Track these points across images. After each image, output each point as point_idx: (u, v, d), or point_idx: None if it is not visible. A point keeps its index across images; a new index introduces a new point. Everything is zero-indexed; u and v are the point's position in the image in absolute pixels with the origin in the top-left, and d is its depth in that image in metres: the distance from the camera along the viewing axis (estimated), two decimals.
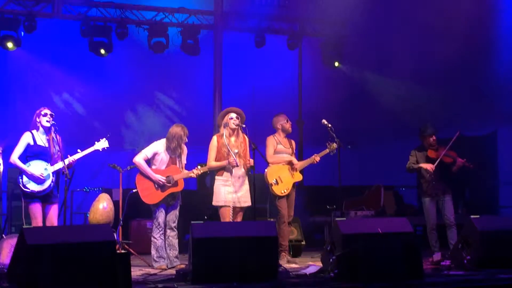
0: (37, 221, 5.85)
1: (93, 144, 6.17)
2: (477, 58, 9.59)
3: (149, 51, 9.52)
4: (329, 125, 6.80)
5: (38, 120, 5.98)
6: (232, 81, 9.98)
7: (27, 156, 5.92)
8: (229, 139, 6.45)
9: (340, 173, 6.64)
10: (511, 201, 9.70)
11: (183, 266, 6.16)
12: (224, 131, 6.44)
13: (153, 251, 6.46)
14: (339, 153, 6.77)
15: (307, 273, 5.72)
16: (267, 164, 6.85)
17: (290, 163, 6.91)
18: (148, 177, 6.45)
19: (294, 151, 7.13)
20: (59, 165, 5.91)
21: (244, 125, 6.45)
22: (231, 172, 6.41)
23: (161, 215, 6.45)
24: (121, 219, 7.16)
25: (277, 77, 10.74)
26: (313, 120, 8.78)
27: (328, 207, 8.59)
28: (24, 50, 9.16)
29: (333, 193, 8.65)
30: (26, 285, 4.51)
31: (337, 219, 5.74)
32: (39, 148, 5.94)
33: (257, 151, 6.29)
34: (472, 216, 6.07)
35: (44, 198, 5.92)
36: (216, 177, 6.51)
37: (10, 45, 8.77)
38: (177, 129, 6.49)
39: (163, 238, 6.45)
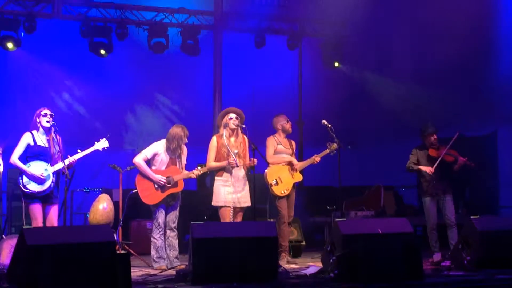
0: (37, 222, 5.85)
1: (93, 144, 6.17)
2: (477, 58, 9.58)
3: (149, 51, 9.52)
4: (329, 126, 6.80)
5: (38, 120, 5.98)
6: (232, 82, 9.98)
7: (27, 156, 5.92)
8: (228, 140, 6.45)
9: (340, 173, 6.64)
10: (511, 201, 9.70)
11: (183, 266, 6.15)
12: (224, 132, 6.44)
13: (153, 252, 6.46)
14: (339, 154, 6.77)
15: (307, 274, 5.72)
16: (267, 164, 6.85)
17: (290, 164, 6.91)
18: (148, 178, 6.45)
19: (294, 151, 7.13)
20: (59, 165, 5.91)
21: (244, 126, 6.45)
22: (230, 173, 6.41)
23: (161, 216, 6.45)
24: (121, 219, 7.16)
25: (277, 78, 10.74)
26: (313, 121, 8.78)
27: (328, 207, 8.59)
28: (24, 50, 9.16)
29: (333, 193, 8.66)
30: (26, 286, 4.51)
31: (337, 219, 5.74)
32: (39, 148, 5.94)
33: (257, 151, 6.29)
34: (472, 217, 6.07)
35: (44, 198, 5.92)
36: (216, 177, 6.50)
37: (10, 45, 8.77)
38: (177, 130, 6.49)
39: (163, 238, 6.45)
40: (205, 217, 8.15)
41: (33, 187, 5.84)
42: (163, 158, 6.51)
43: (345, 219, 6.81)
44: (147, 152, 6.52)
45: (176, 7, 9.68)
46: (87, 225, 7.54)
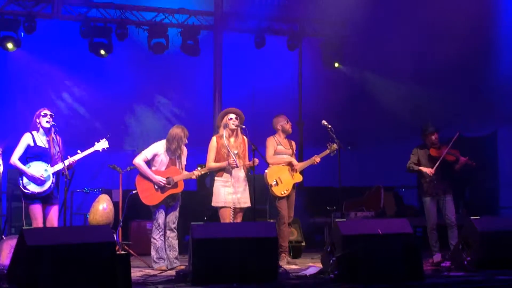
0: (38, 222, 5.85)
1: (93, 145, 6.17)
2: (477, 58, 9.57)
3: (149, 51, 9.52)
4: (329, 126, 6.80)
5: (38, 121, 5.98)
6: (232, 82, 9.97)
7: (27, 157, 5.92)
8: (228, 140, 6.45)
9: (340, 174, 6.63)
10: (511, 202, 9.69)
11: (183, 267, 6.15)
12: (224, 132, 6.43)
13: (153, 252, 6.46)
14: (339, 154, 6.77)
15: (307, 274, 5.71)
16: (267, 165, 6.84)
17: (290, 164, 6.91)
18: (148, 178, 6.45)
19: (295, 152, 7.13)
20: (59, 166, 5.90)
21: (244, 126, 6.45)
22: (230, 173, 6.41)
23: (161, 216, 6.44)
24: (121, 220, 7.16)
25: (277, 78, 10.73)
26: (313, 121, 8.78)
27: (328, 208, 8.58)
28: (24, 51, 9.16)
29: (333, 194, 8.65)
30: (26, 286, 4.51)
31: (337, 220, 5.74)
32: (39, 149, 5.93)
33: (257, 152, 6.29)
34: (472, 217, 6.06)
35: (45, 199, 5.92)
36: (216, 178, 6.50)
37: (10, 45, 8.77)
38: (177, 130, 6.49)
39: (163, 239, 6.45)
40: (205, 218, 8.15)
41: (33, 188, 5.84)
42: (163, 158, 6.50)
43: (345, 219, 6.79)
44: (147, 153, 6.52)
45: (176, 7, 9.68)
46: (87, 226, 7.53)
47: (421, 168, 6.92)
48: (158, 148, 6.53)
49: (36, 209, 5.87)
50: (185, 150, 6.61)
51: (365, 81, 10.86)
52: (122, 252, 6.47)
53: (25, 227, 4.98)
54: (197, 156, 7.48)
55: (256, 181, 6.38)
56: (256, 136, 6.60)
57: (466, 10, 8.96)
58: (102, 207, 7.27)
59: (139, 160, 6.48)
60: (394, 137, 10.75)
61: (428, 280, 5.38)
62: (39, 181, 5.84)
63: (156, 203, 6.44)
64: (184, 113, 10.85)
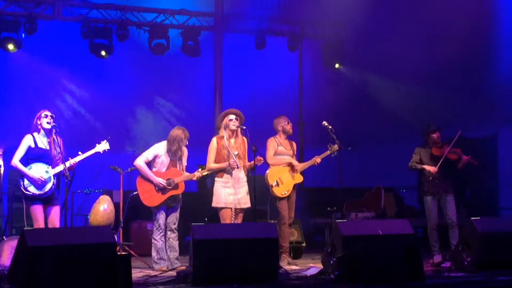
0: (39, 223, 5.86)
1: (93, 146, 6.18)
2: (477, 58, 9.57)
3: (150, 52, 9.52)
4: (330, 127, 6.81)
5: (39, 122, 5.99)
6: (232, 83, 9.98)
7: (28, 158, 5.92)
8: (229, 141, 6.46)
9: (340, 174, 6.64)
10: (511, 203, 9.69)
11: (183, 267, 6.15)
12: (224, 133, 6.44)
13: (153, 253, 6.47)
14: (340, 155, 6.78)
15: (308, 275, 5.72)
16: (267, 165, 6.85)
17: (290, 165, 6.92)
18: (148, 180, 6.45)
19: (295, 152, 7.13)
20: (60, 167, 5.91)
21: (244, 127, 6.45)
22: (231, 174, 6.42)
23: (161, 217, 6.45)
24: (121, 221, 7.17)
25: (278, 79, 10.74)
26: (314, 122, 8.79)
27: (328, 208, 8.58)
28: (25, 52, 9.16)
29: (334, 194, 8.65)
30: (27, 287, 4.51)
31: (337, 221, 5.75)
32: (40, 150, 5.94)
33: (258, 153, 6.30)
34: (472, 218, 6.07)
35: (46, 200, 5.93)
36: (216, 178, 6.51)
37: (10, 47, 8.78)
38: (178, 132, 6.50)
39: (163, 240, 6.45)
40: (206, 219, 8.15)
41: (34, 189, 5.84)
42: (164, 160, 6.51)
43: (345, 220, 6.81)
44: (147, 154, 6.53)
45: (177, 8, 9.68)
46: (87, 227, 7.54)
47: (424, 166, 6.90)
48: (159, 149, 6.53)
49: (37, 210, 5.87)
50: (185, 151, 6.62)
51: (365, 82, 10.86)
52: (123, 253, 6.49)
53: (26, 228, 4.99)
54: (197, 157, 7.49)
55: (257, 181, 6.39)
56: (257, 137, 6.61)
57: (466, 10, 8.96)
58: (102, 208, 7.28)
59: (139, 161, 6.49)
60: (395, 137, 10.75)
61: (429, 281, 5.38)
62: (40, 183, 5.85)
63: (156, 204, 6.45)
64: (185, 114, 10.86)
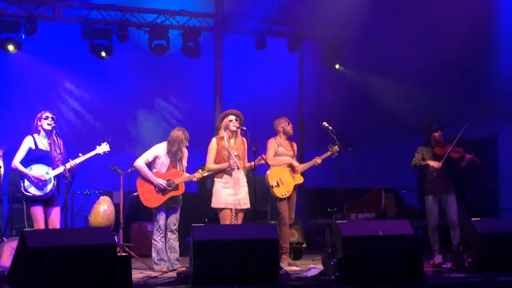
0: (39, 224, 5.86)
1: (94, 147, 6.18)
2: (477, 58, 9.57)
3: (150, 53, 9.52)
4: (330, 128, 6.81)
5: (39, 123, 5.98)
6: (232, 84, 9.98)
7: (28, 160, 5.92)
8: (229, 142, 6.46)
9: (341, 175, 6.63)
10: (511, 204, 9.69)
11: (184, 268, 6.14)
12: (225, 134, 6.44)
13: (154, 254, 6.47)
14: (340, 156, 6.77)
15: (308, 276, 5.72)
16: (268, 166, 6.85)
17: (290, 166, 6.92)
18: (149, 181, 6.45)
19: (296, 153, 7.13)
20: (60, 169, 5.91)
21: (245, 127, 6.46)
22: (230, 174, 6.42)
23: (161, 218, 6.45)
24: (122, 222, 7.17)
25: (278, 80, 10.74)
26: (314, 123, 8.78)
27: (329, 209, 8.58)
28: (25, 52, 9.17)
29: (334, 195, 8.65)
30: None
31: (338, 221, 5.74)
32: (41, 152, 5.94)
33: (258, 153, 6.30)
34: (473, 219, 6.06)
35: (46, 201, 5.93)
36: (216, 179, 6.51)
37: (11, 47, 8.78)
38: (178, 133, 6.50)
39: (163, 241, 6.45)
40: (206, 219, 8.15)
41: (34, 190, 5.84)
42: (164, 161, 6.51)
43: (346, 221, 6.80)
44: (148, 155, 6.53)
45: (177, 9, 9.68)
46: (87, 228, 7.54)
47: (428, 161, 6.86)
48: (159, 150, 6.53)
49: (38, 211, 5.88)
50: (186, 153, 6.62)
51: (365, 82, 10.86)
52: (123, 254, 6.50)
53: (26, 229, 4.99)
54: (197, 158, 7.48)
55: (257, 182, 6.39)
56: (257, 137, 6.61)
57: (466, 10, 8.96)
58: (103, 209, 7.28)
59: (140, 162, 6.49)
60: (395, 137, 10.75)
61: (429, 282, 5.38)
62: (40, 184, 5.85)
63: (157, 205, 6.45)
64: (185, 115, 10.86)
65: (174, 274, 5.90)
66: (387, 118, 10.48)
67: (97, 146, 6.19)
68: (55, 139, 5.97)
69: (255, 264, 5.20)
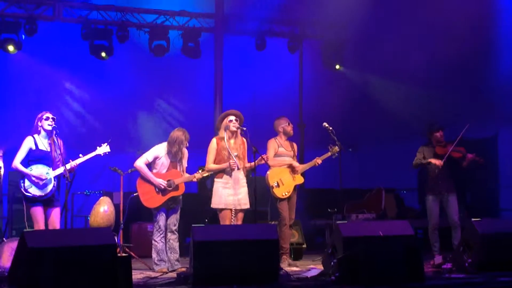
0: (39, 225, 5.86)
1: (94, 147, 6.18)
2: (477, 58, 9.57)
3: (150, 54, 9.52)
4: (330, 128, 6.81)
5: (40, 124, 5.98)
6: (233, 84, 9.98)
7: (29, 160, 5.92)
8: (229, 142, 6.45)
9: (341, 176, 6.63)
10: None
11: (184, 269, 6.14)
12: (225, 134, 6.44)
13: (154, 254, 6.46)
14: (340, 156, 6.77)
15: (308, 276, 5.72)
16: (268, 166, 6.85)
17: (290, 167, 6.91)
18: (149, 181, 6.45)
19: (296, 154, 7.13)
20: (60, 170, 5.91)
21: (245, 128, 6.45)
22: (230, 175, 6.42)
23: (162, 219, 6.45)
24: (122, 222, 7.17)
25: (278, 80, 10.73)
26: (314, 123, 8.78)
27: (329, 210, 8.58)
28: (25, 53, 9.17)
29: (334, 196, 8.64)
30: None
31: (338, 222, 5.75)
32: (41, 152, 5.94)
33: (258, 154, 6.30)
34: (473, 219, 6.06)
35: (46, 202, 5.93)
36: (216, 179, 6.51)
37: (11, 48, 8.78)
38: (178, 133, 6.50)
39: (164, 241, 6.45)
40: (206, 220, 8.15)
41: (34, 191, 5.84)
42: (164, 161, 6.51)
43: (346, 221, 6.80)
44: (148, 156, 6.52)
45: (177, 9, 9.68)
46: (87, 228, 7.54)
47: (430, 159, 6.85)
48: (159, 151, 6.53)
49: (38, 212, 5.88)
50: (186, 153, 6.61)
51: (366, 83, 10.86)
52: (123, 254, 6.50)
53: (26, 230, 4.99)
54: (197, 159, 7.48)
55: (257, 182, 6.38)
56: (257, 138, 6.61)
57: (466, 10, 8.96)
58: (103, 210, 7.28)
59: (140, 163, 6.49)
60: (395, 137, 10.74)
61: (429, 282, 5.38)
62: (41, 184, 5.85)
63: (157, 205, 6.45)
64: (185, 116, 10.86)
65: (174, 274, 5.89)
66: (387, 118, 10.48)
67: (98, 147, 6.19)
68: (55, 139, 5.97)
69: (255, 265, 5.21)
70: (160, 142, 6.61)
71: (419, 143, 7.18)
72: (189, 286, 5.17)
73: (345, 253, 5.23)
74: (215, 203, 6.44)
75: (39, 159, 5.91)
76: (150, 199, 6.44)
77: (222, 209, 6.40)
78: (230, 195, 6.38)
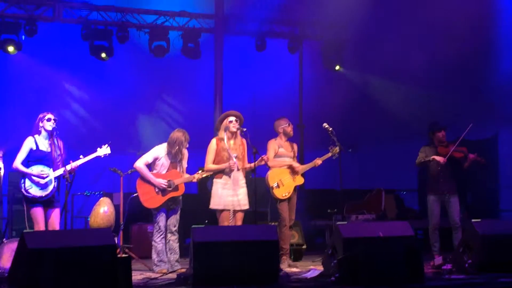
0: (39, 226, 5.86)
1: (94, 148, 6.18)
2: (477, 58, 9.57)
3: (150, 54, 9.52)
4: (330, 129, 6.81)
5: (41, 124, 5.98)
6: (233, 85, 9.98)
7: (29, 161, 5.91)
8: (228, 143, 6.45)
9: (341, 176, 6.63)
10: None
11: (183, 270, 6.14)
12: (225, 135, 6.44)
13: (154, 255, 6.46)
14: (340, 157, 6.77)
15: (308, 277, 5.72)
16: (268, 167, 6.84)
17: (290, 167, 6.91)
18: (148, 182, 6.45)
19: (296, 154, 7.12)
20: (60, 171, 5.91)
21: (245, 129, 6.45)
22: (229, 175, 6.41)
23: (162, 219, 6.44)
24: (122, 223, 7.16)
25: (278, 81, 10.73)
26: (314, 124, 8.78)
27: (329, 211, 8.58)
28: (25, 54, 9.17)
29: (334, 196, 8.65)
30: None
31: (338, 223, 5.75)
32: (42, 153, 5.93)
33: (258, 154, 6.30)
34: (473, 220, 6.06)
35: (46, 202, 5.92)
36: (215, 179, 6.51)
37: (11, 49, 8.79)
38: (178, 134, 6.49)
39: (164, 242, 6.45)
40: (206, 221, 8.15)
41: (35, 191, 5.84)
42: (164, 162, 6.51)
43: (346, 222, 6.80)
44: (148, 157, 6.52)
45: (177, 10, 9.68)
46: (87, 229, 7.53)
47: (434, 156, 6.83)
48: (159, 151, 6.53)
49: (38, 212, 5.87)
50: (186, 154, 6.61)
51: (366, 83, 10.85)
52: (123, 255, 6.50)
53: (26, 230, 4.98)
54: (197, 159, 7.48)
55: (257, 183, 6.38)
56: (257, 139, 6.61)
57: (466, 10, 8.96)
58: (103, 210, 7.28)
59: (140, 164, 6.48)
60: (395, 140, 10.74)
61: (429, 283, 5.38)
62: (42, 183, 5.85)
63: (157, 206, 6.44)
64: (185, 116, 10.86)
65: (174, 275, 5.89)
66: (387, 118, 10.48)
67: (98, 149, 6.19)
68: (55, 140, 5.96)
69: (255, 266, 5.20)
70: (160, 142, 6.61)
71: (419, 143, 7.17)
72: (189, 287, 5.17)
73: (345, 254, 5.23)
74: (214, 204, 6.44)
75: (40, 159, 5.91)
76: (150, 199, 6.44)
77: (220, 210, 6.40)
78: (229, 195, 6.38)
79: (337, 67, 10.54)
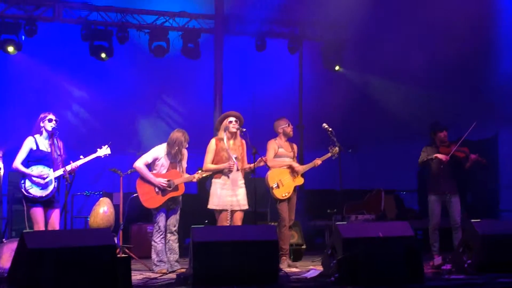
0: (39, 226, 5.86)
1: (94, 148, 6.18)
2: (477, 58, 9.58)
3: (150, 55, 9.54)
4: (330, 129, 6.81)
5: (42, 124, 5.97)
6: (232, 85, 9.98)
7: (29, 161, 5.91)
8: (228, 143, 6.45)
9: (341, 177, 6.63)
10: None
11: (183, 270, 6.14)
12: (224, 135, 6.44)
13: (153, 255, 6.46)
14: (340, 157, 6.77)
15: (308, 277, 5.72)
16: (267, 168, 6.84)
17: (290, 167, 6.91)
18: (148, 182, 6.45)
19: (296, 154, 7.12)
20: (60, 171, 5.91)
21: (244, 129, 6.45)
22: (228, 175, 6.41)
23: (161, 219, 6.45)
24: (122, 223, 7.16)
25: (278, 81, 10.74)
26: (314, 124, 8.78)
27: (328, 211, 8.58)
28: (25, 54, 9.19)
29: (334, 197, 8.65)
30: None
31: (337, 223, 5.74)
32: (42, 153, 5.93)
33: (258, 155, 6.30)
34: (473, 220, 6.06)
35: (46, 203, 5.92)
36: (214, 180, 6.50)
37: (11, 49, 8.80)
38: (178, 134, 6.49)
39: (163, 242, 6.45)
40: (206, 221, 8.15)
41: (35, 191, 5.84)
42: (164, 162, 6.51)
43: (345, 222, 6.80)
44: (147, 157, 6.52)
45: (177, 10, 9.69)
46: (87, 229, 7.54)
47: (436, 154, 6.83)
48: (159, 151, 6.53)
49: (38, 213, 5.87)
50: (186, 154, 6.61)
51: (366, 83, 10.86)
52: (123, 255, 6.50)
53: (26, 230, 4.99)
54: (197, 159, 7.48)
55: (257, 184, 6.38)
56: (257, 139, 6.61)
57: (466, 10, 8.97)
58: (102, 210, 7.28)
59: (139, 164, 6.48)
60: (395, 140, 10.74)
61: (429, 283, 5.38)
62: (42, 183, 5.85)
63: (156, 206, 6.44)
64: (185, 116, 10.86)
65: (173, 275, 5.90)
66: (387, 118, 10.48)
67: (98, 149, 6.19)
68: (55, 140, 5.96)
69: (254, 266, 5.20)
70: (160, 143, 6.61)
71: (419, 143, 7.17)
72: (189, 287, 5.16)
73: (345, 254, 5.23)
74: (213, 204, 6.44)
75: (40, 159, 5.91)
76: (149, 199, 6.44)
77: (219, 210, 6.40)
78: (228, 195, 6.38)
79: (337, 67, 10.54)
